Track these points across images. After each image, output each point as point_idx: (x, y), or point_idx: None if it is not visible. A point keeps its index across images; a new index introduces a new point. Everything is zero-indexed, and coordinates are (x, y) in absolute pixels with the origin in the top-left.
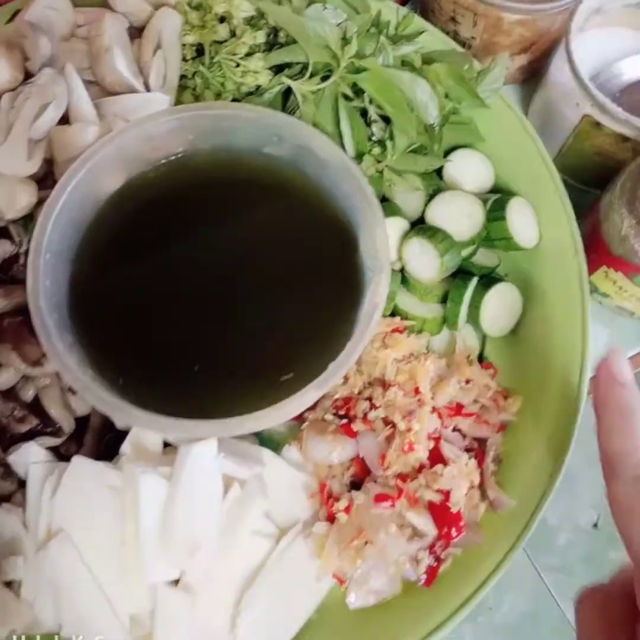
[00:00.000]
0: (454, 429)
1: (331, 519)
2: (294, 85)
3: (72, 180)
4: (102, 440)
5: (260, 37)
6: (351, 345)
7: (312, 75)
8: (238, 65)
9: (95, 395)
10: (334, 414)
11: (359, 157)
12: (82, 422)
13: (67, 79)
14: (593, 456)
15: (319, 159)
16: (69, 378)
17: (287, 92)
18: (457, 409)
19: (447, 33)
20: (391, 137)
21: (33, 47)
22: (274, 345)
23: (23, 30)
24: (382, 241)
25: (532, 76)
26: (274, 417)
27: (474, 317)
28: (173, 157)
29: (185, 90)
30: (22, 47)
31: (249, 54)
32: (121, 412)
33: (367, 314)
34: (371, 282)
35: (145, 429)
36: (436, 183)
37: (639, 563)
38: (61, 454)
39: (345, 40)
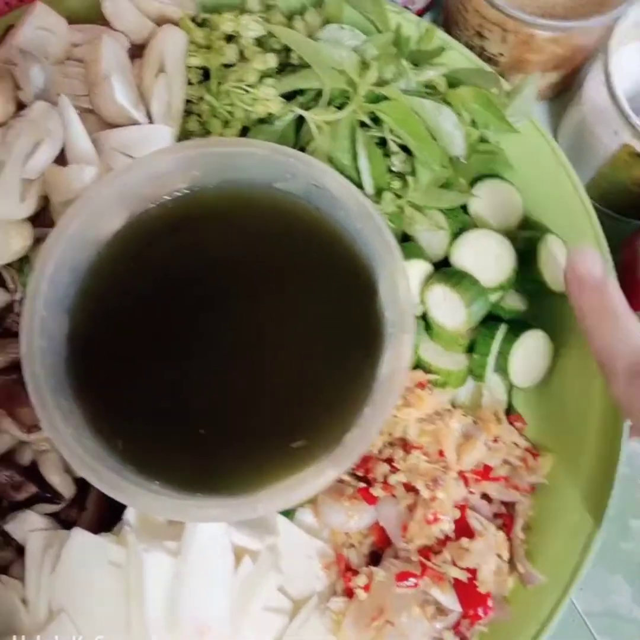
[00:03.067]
0: (481, 495)
1: (349, 593)
2: (308, 115)
3: (70, 226)
4: (105, 502)
5: (272, 61)
6: (370, 419)
7: (327, 104)
8: (247, 92)
9: (95, 475)
10: (352, 475)
11: (378, 193)
12: (82, 483)
13: (62, 113)
14: None
15: (334, 197)
16: (67, 455)
17: (300, 119)
18: (485, 473)
19: (472, 48)
20: (413, 171)
21: (24, 77)
22: (284, 408)
23: (15, 58)
24: (404, 294)
25: (562, 92)
26: (289, 499)
27: (501, 367)
28: (178, 194)
29: (191, 117)
30: (13, 75)
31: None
32: (123, 493)
33: (388, 378)
34: (393, 339)
35: (149, 513)
36: (461, 219)
37: None
38: (61, 519)
39: (364, 65)
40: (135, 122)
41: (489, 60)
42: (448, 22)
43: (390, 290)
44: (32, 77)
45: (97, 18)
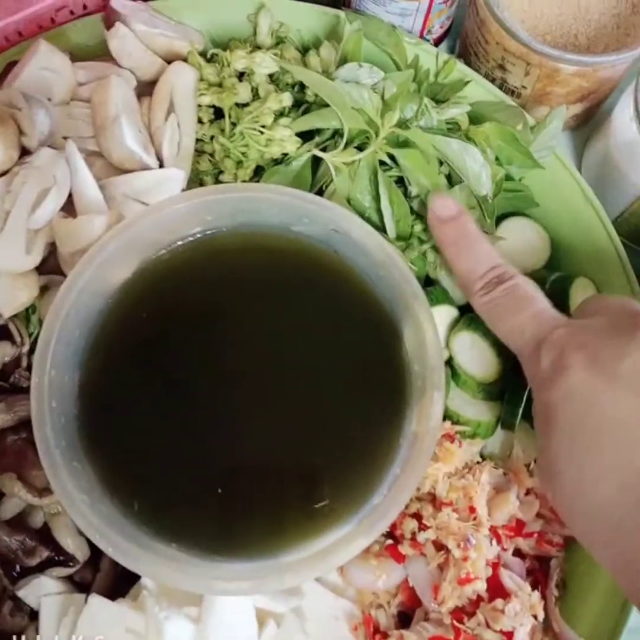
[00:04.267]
0: (515, 552)
1: None
2: (327, 157)
3: (80, 278)
4: (119, 564)
5: (287, 99)
6: (400, 481)
7: (346, 144)
8: (262, 133)
9: (112, 546)
10: None
11: (400, 238)
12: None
13: (69, 159)
14: None
15: (356, 243)
16: (82, 524)
17: (317, 158)
18: (517, 528)
19: (493, 80)
20: None
21: (29, 122)
22: (306, 466)
23: (19, 103)
24: (433, 348)
25: (586, 121)
26: (319, 568)
27: (530, 415)
28: (190, 239)
29: (202, 156)
30: (17, 119)
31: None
32: (140, 564)
33: (419, 438)
34: (422, 395)
35: (170, 585)
36: None
37: (517, 352)
38: (75, 581)
39: (385, 104)
40: (145, 166)
41: (511, 92)
42: (466, 52)
43: (417, 344)
44: (38, 123)
45: (101, 53)
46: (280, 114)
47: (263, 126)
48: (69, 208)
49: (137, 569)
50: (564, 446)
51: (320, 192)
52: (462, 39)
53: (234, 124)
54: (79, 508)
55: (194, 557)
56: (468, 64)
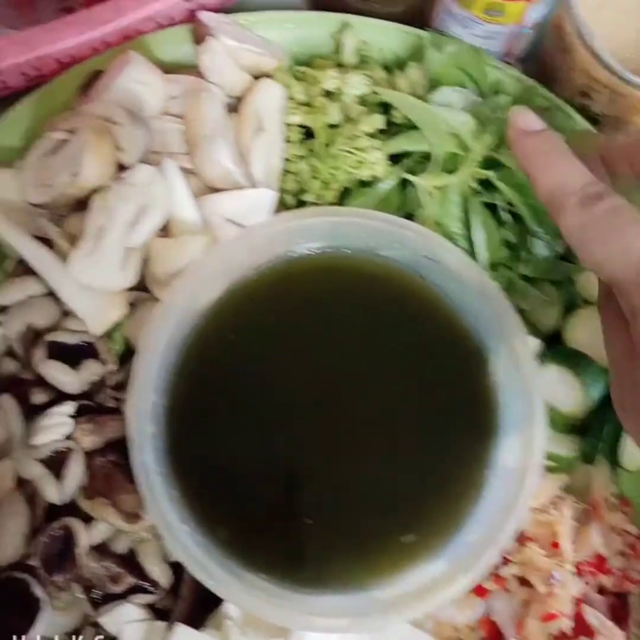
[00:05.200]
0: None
1: None
2: (418, 181)
3: (176, 301)
4: (199, 589)
5: (379, 122)
6: (498, 520)
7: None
8: (354, 154)
9: (208, 575)
10: None
11: (492, 267)
12: (177, 570)
13: (167, 178)
14: None
15: (449, 271)
16: (182, 556)
17: (404, 181)
18: (599, 564)
19: (574, 106)
20: (524, 241)
21: (129, 139)
22: (392, 498)
23: (116, 116)
24: (534, 384)
25: None
26: (420, 607)
27: (611, 450)
28: (277, 260)
29: (287, 175)
30: (114, 134)
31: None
32: (236, 596)
33: (514, 474)
34: (515, 429)
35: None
36: (569, 291)
37: (615, 279)
38: (155, 608)
39: (480, 126)
40: (238, 185)
41: (593, 120)
42: (545, 76)
43: (514, 378)
44: (138, 140)
45: (183, 65)
46: (371, 136)
47: (357, 149)
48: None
49: (234, 600)
50: None
51: (407, 216)
52: (540, 63)
53: (327, 145)
54: (180, 539)
55: (283, 589)
56: (547, 88)
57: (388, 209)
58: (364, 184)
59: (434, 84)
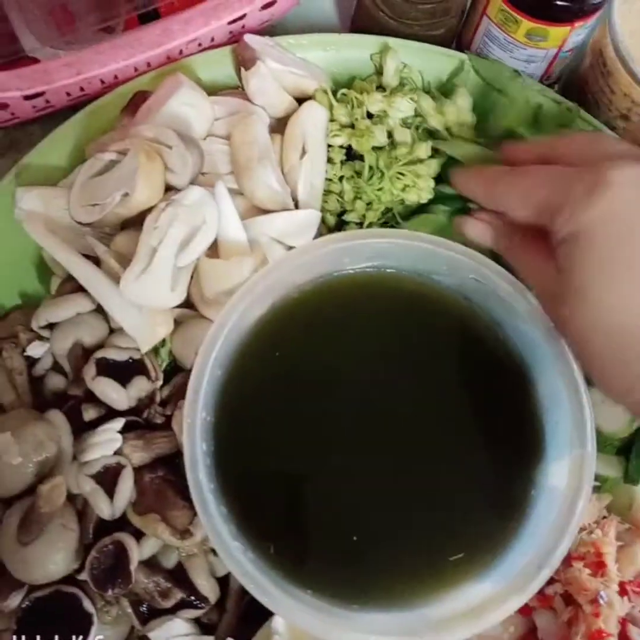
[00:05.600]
0: None
1: None
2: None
3: (228, 322)
4: (244, 603)
5: (428, 149)
6: (548, 541)
7: None
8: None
9: (261, 591)
10: None
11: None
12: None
13: (217, 200)
14: None
15: (496, 293)
16: (237, 572)
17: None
18: None
19: (613, 129)
20: None
21: (181, 162)
22: (440, 516)
23: (168, 139)
24: (583, 407)
25: None
26: (470, 628)
27: None
28: (321, 279)
29: (329, 195)
30: (164, 156)
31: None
32: (287, 610)
33: (561, 496)
34: (562, 451)
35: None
36: None
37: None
38: (201, 623)
39: None
40: (285, 207)
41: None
42: (584, 99)
43: (561, 400)
44: (191, 164)
45: (223, 86)
46: (421, 162)
47: (408, 172)
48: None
49: (287, 616)
50: (599, 265)
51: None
52: (578, 86)
53: (373, 169)
54: (234, 556)
55: (331, 606)
56: (586, 111)
57: (445, 233)
58: (407, 206)
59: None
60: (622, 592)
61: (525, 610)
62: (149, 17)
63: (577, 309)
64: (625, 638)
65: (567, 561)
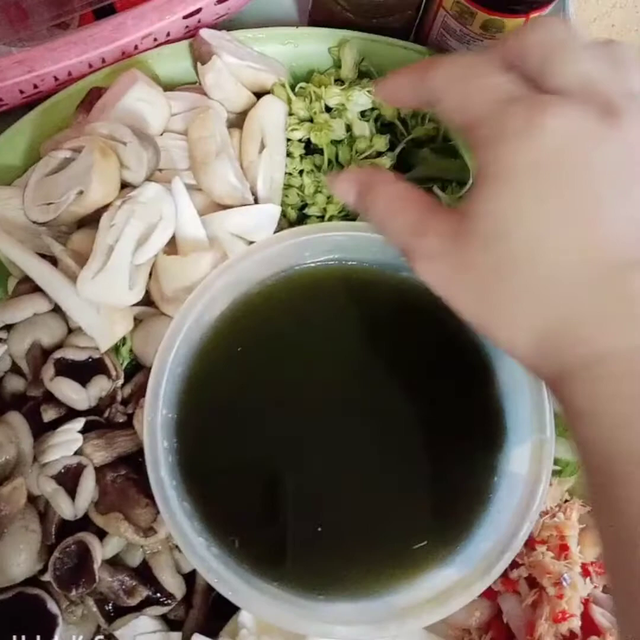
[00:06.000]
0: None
1: None
2: (442, 195)
3: (188, 318)
4: (210, 599)
5: (386, 142)
6: (510, 526)
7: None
8: None
9: (229, 587)
10: None
11: None
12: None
13: (174, 196)
14: None
15: None
16: (201, 568)
17: None
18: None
19: None
20: None
21: (136, 159)
22: (402, 505)
23: (123, 136)
24: (538, 393)
25: None
26: (437, 612)
27: None
28: (282, 273)
29: (289, 189)
30: (119, 153)
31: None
32: (253, 603)
33: (522, 481)
34: (521, 437)
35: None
36: None
37: None
38: (168, 619)
39: None
40: (244, 202)
41: None
42: None
43: (520, 387)
44: (146, 160)
45: (180, 81)
46: (381, 154)
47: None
48: (168, 243)
49: (253, 610)
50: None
51: None
52: None
53: (330, 161)
54: (198, 552)
55: (297, 597)
56: None
57: None
58: None
59: None
60: (585, 573)
61: (490, 595)
62: (105, 12)
63: (490, 251)
64: (588, 618)
65: (531, 545)
